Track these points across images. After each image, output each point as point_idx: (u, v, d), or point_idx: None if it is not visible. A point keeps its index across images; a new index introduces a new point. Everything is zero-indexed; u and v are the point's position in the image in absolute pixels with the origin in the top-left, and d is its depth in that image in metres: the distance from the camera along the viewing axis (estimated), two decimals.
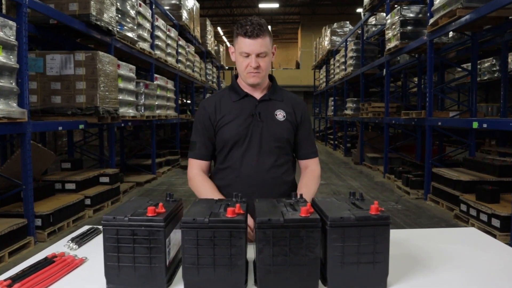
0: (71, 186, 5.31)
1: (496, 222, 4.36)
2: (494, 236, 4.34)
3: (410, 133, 8.67)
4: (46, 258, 1.27)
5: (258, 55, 1.66)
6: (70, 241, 1.43)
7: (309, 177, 1.85)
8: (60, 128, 4.77)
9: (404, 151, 9.09)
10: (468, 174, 5.46)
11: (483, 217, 4.57)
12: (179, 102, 11.72)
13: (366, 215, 1.08)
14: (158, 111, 8.07)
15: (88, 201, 5.32)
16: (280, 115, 1.79)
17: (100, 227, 1.68)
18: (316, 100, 21.34)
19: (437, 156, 6.84)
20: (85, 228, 1.63)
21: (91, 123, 5.22)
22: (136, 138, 10.45)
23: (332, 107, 14.76)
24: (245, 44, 1.65)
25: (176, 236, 1.21)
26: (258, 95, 1.81)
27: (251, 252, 1.20)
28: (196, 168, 1.82)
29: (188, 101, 14.94)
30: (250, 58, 1.67)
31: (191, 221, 1.05)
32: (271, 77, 1.88)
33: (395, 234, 1.12)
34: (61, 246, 1.42)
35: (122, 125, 6.72)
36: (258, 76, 1.71)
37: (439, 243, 1.50)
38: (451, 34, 6.79)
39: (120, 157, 8.35)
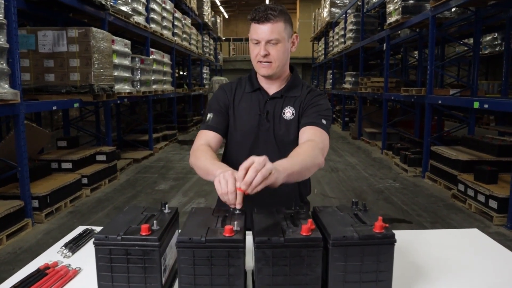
0: (68, 165, 5.27)
1: (493, 204, 4.36)
2: (491, 217, 4.37)
3: (409, 109, 8.60)
4: (38, 270, 1.23)
5: (267, 42, 1.51)
6: (64, 247, 1.39)
7: (303, 145, 1.47)
8: (54, 107, 4.68)
9: (403, 127, 9.04)
10: (466, 153, 5.43)
11: (481, 198, 4.57)
12: (176, 75, 11.54)
13: (370, 234, 1.04)
14: (154, 86, 7.94)
15: (85, 180, 5.30)
16: (288, 113, 1.60)
17: (94, 227, 1.65)
18: (315, 72, 21.10)
19: (436, 135, 6.80)
20: (80, 229, 1.59)
21: (86, 101, 5.13)
22: (132, 113, 10.34)
23: (331, 81, 14.59)
24: (254, 30, 1.52)
25: (172, 247, 1.17)
26: (273, 89, 1.64)
27: (249, 269, 1.16)
28: (203, 139, 1.57)
29: (185, 73, 14.70)
30: (259, 46, 1.52)
31: (187, 241, 1.01)
32: (292, 69, 1.69)
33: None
34: (55, 253, 1.38)
35: (118, 102, 6.62)
36: (269, 67, 1.54)
37: (441, 248, 1.47)
38: (454, 8, 6.61)
39: (116, 133, 8.28)
